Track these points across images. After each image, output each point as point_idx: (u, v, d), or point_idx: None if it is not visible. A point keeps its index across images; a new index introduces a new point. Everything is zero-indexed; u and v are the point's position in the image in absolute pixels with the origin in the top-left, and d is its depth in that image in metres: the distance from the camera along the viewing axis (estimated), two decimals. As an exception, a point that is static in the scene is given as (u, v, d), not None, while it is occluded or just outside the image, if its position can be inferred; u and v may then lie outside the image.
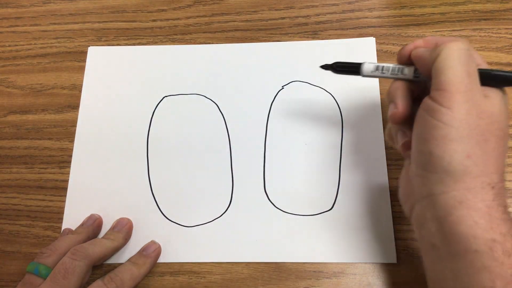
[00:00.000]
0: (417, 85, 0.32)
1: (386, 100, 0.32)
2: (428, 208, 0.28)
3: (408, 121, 0.30)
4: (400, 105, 0.30)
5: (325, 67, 0.36)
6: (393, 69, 0.32)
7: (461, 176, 0.26)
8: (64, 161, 0.43)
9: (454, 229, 0.26)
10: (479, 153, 0.26)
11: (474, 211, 0.26)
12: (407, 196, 0.31)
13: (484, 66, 0.30)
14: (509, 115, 0.29)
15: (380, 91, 0.43)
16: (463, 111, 0.26)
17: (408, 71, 0.31)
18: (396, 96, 0.31)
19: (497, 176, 0.27)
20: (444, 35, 0.45)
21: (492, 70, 0.29)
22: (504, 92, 0.29)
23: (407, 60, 0.32)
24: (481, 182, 0.26)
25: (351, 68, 0.34)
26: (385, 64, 0.32)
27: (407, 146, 0.31)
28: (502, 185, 0.27)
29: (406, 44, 0.32)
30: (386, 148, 0.41)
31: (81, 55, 0.48)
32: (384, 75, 0.32)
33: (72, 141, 0.44)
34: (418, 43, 0.31)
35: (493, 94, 0.28)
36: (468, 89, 0.26)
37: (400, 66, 0.32)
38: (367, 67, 0.33)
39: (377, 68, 0.33)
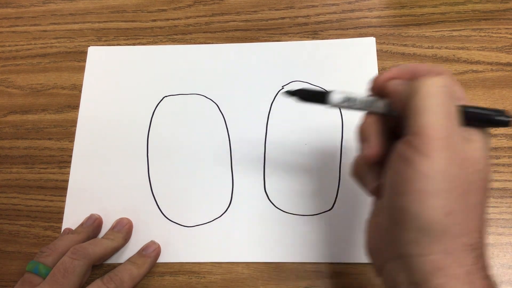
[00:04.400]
0: (391, 120, 0.27)
1: (357, 136, 0.29)
2: (401, 271, 0.24)
3: (381, 160, 0.27)
4: (373, 145, 0.27)
5: (289, 93, 0.30)
6: (364, 102, 0.28)
7: (440, 237, 0.23)
8: (64, 161, 0.43)
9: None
10: (459, 209, 0.23)
11: (455, 279, 0.23)
12: (377, 250, 0.27)
13: (465, 101, 0.26)
14: (489, 161, 0.25)
15: (380, 91, 0.43)
16: (443, 160, 0.23)
17: (381, 104, 0.27)
18: (369, 134, 0.27)
19: (478, 234, 0.24)
20: (444, 35, 0.45)
21: (475, 108, 0.25)
22: (486, 133, 0.25)
23: (381, 91, 0.27)
24: (461, 244, 0.23)
25: (317, 97, 0.29)
26: (356, 96, 0.28)
27: (379, 189, 0.27)
28: (483, 244, 0.24)
29: (380, 73, 0.28)
30: (386, 148, 0.41)
31: (81, 55, 0.48)
32: (354, 106, 0.28)
33: (72, 141, 0.44)
34: (394, 72, 0.27)
35: (475, 136, 0.24)
36: (448, 134, 0.23)
37: (373, 98, 0.28)
38: (335, 97, 0.28)
39: (346, 99, 0.28)
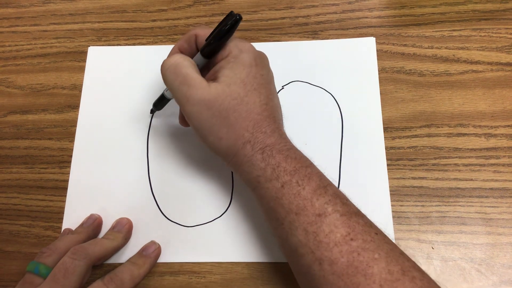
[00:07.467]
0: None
1: None
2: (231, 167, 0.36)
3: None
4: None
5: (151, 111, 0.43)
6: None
7: (230, 156, 0.34)
8: (64, 161, 0.43)
9: (244, 176, 0.34)
10: (225, 130, 0.33)
11: (245, 166, 0.33)
12: None
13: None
14: (243, 76, 0.33)
15: (380, 91, 0.43)
16: (196, 114, 0.33)
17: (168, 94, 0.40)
18: None
19: (248, 133, 0.33)
20: (444, 35, 0.45)
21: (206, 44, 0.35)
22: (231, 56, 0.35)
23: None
24: (241, 145, 0.33)
25: (161, 100, 0.41)
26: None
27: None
28: (257, 135, 0.33)
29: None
30: (386, 148, 0.41)
31: (81, 55, 0.48)
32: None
33: (72, 141, 0.44)
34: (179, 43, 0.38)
35: (220, 73, 0.34)
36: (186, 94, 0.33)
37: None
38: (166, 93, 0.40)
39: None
